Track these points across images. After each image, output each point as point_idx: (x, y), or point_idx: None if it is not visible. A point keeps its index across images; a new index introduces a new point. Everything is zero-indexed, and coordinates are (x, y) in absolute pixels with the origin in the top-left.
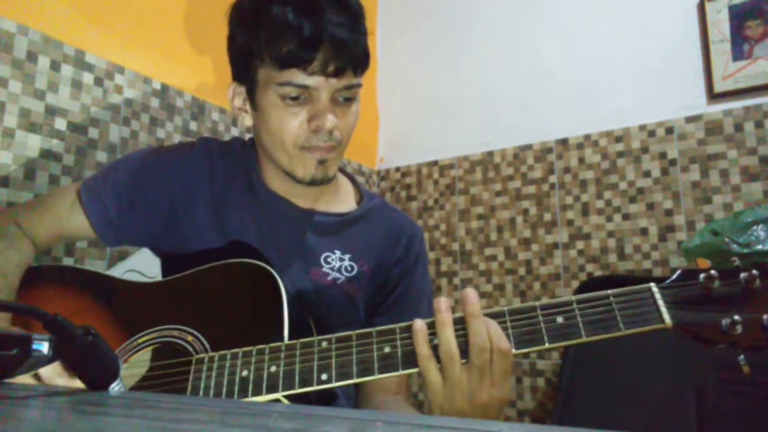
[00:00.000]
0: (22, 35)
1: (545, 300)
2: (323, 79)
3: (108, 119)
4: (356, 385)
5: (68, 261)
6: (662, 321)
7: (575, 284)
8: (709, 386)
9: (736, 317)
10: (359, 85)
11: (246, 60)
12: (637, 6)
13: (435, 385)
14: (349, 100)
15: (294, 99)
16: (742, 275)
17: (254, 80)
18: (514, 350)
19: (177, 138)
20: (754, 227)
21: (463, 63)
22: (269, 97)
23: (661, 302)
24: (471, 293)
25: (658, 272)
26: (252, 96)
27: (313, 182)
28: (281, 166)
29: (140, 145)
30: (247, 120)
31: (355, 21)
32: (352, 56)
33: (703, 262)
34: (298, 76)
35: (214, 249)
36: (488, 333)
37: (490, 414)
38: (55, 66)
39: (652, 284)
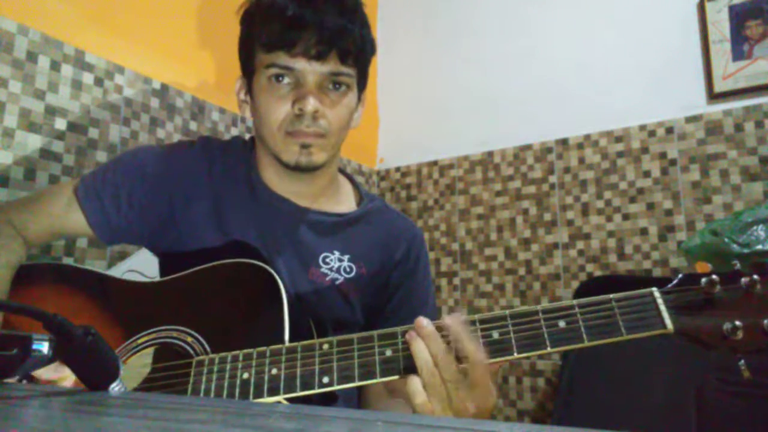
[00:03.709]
0: (22, 35)
1: (547, 304)
2: (305, 61)
3: (108, 119)
4: (358, 388)
5: (68, 260)
6: (664, 326)
7: (575, 284)
8: (710, 387)
9: (737, 322)
10: (348, 75)
11: (247, 50)
12: (637, 6)
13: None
14: (339, 89)
15: (280, 80)
16: (743, 280)
17: (252, 68)
18: (516, 354)
19: (177, 138)
20: (754, 227)
21: (463, 63)
22: (260, 81)
23: (663, 307)
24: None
25: (657, 272)
26: (250, 85)
27: (297, 167)
28: (271, 151)
29: (140, 145)
30: (248, 111)
31: (345, 9)
32: (336, 42)
33: (703, 266)
34: (282, 58)
35: (213, 248)
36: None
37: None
38: (55, 66)
39: (654, 289)
